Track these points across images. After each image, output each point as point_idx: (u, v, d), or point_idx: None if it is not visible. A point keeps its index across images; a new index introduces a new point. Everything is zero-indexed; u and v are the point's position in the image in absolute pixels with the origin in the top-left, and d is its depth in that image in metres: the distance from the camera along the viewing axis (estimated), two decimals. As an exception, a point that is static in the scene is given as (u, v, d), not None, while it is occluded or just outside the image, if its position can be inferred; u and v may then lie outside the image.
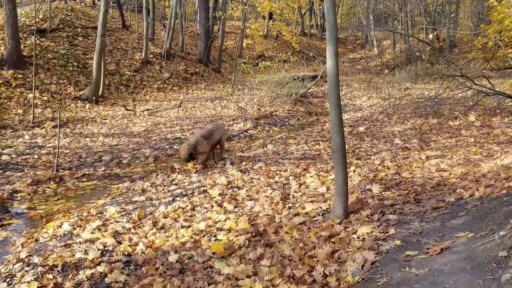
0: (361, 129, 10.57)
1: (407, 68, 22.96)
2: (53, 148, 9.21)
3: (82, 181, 7.13)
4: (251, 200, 5.80)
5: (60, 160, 8.29)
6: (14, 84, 14.28)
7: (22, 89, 14.30)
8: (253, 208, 5.50)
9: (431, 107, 12.01)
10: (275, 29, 27.33)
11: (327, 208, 5.27)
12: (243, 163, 7.64)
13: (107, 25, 22.77)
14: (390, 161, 7.27)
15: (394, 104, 14.80)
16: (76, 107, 14.52)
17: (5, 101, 13.32)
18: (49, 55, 16.96)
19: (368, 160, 7.53)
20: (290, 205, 5.56)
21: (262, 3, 17.39)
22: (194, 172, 7.26)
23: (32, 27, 18.15)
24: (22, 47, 16.60)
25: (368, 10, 32.18)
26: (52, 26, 19.01)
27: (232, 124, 11.85)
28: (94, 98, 15.20)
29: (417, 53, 24.68)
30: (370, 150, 8.45)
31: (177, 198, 5.89)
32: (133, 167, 8.01)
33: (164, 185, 6.59)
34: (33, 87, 11.76)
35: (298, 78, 19.52)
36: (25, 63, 15.71)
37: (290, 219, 5.02)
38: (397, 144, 8.84)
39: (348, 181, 6.16)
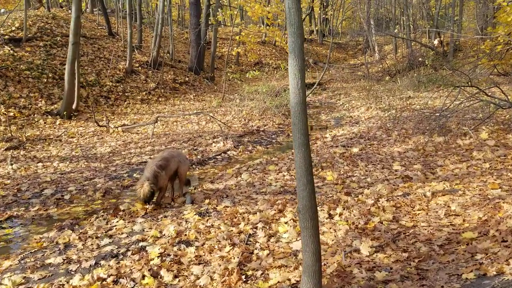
0: (355, 150, 9.12)
1: (409, 75, 21.48)
2: (-8, 178, 7.84)
3: (2, 228, 5.72)
4: (199, 264, 4.37)
5: (-7, 195, 6.91)
6: (-25, 99, 12.95)
7: (-15, 104, 12.96)
8: (199, 279, 4.07)
9: (436, 121, 10.53)
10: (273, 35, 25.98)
11: (297, 282, 3.83)
12: (206, 201, 6.21)
13: (91, 33, 21.58)
14: (387, 200, 5.82)
15: (394, 116, 13.33)
16: (45, 123, 13.18)
17: (-37, 118, 11.99)
18: (22, 66, 15.64)
19: (360, 196, 6.09)
20: (250, 273, 4.12)
21: (252, 7, 16.01)
22: (142, 215, 5.84)
23: (6, 36, 16.92)
24: (-9, 57, 15.32)
25: (369, 14, 30.77)
26: (29, 35, 17.71)
27: (211, 144, 10.44)
28: (65, 112, 13.86)
29: (420, 58, 23.19)
30: (363, 180, 7.00)
31: (102, 262, 4.47)
32: (75, 205, 6.60)
33: (96, 237, 5.17)
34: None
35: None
36: (-7, 76, 14.39)
37: (243, 301, 3.59)
38: (396, 171, 7.39)
39: (332, 230, 4.77)
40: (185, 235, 5.05)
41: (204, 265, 4.34)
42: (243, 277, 4.02)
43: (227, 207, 5.93)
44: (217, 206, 5.99)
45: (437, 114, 10.82)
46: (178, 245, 4.77)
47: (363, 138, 10.58)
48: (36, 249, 4.95)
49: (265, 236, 4.92)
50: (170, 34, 23.56)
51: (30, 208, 6.41)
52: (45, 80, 15.57)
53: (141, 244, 4.84)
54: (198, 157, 9.29)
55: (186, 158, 6.80)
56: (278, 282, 3.90)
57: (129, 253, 4.64)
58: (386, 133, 10.92)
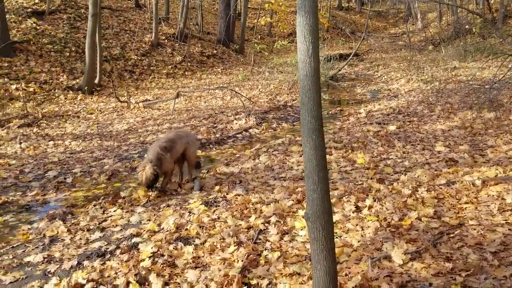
0: (392, 128, 8.12)
1: (455, 43, 19.84)
2: (-2, 158, 7.40)
3: (-6, 215, 5.21)
4: (196, 268, 3.66)
5: (-6, 177, 6.45)
6: (-4, 74, 12.64)
7: (6, 79, 12.65)
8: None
9: (486, 94, 9.31)
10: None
11: (311, 297, 3.07)
12: (217, 187, 5.48)
13: (116, 5, 20.99)
14: (427, 189, 4.90)
15: (438, 89, 12.11)
16: (65, 98, 12.77)
17: (-18, 94, 11.69)
18: (44, 40, 15.28)
19: (394, 184, 5.20)
20: (254, 282, 3.38)
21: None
22: (143, 204, 5.18)
23: (29, 9, 16.56)
24: (15, 31, 15.01)
25: (411, -21, 28.70)
26: (52, 8, 17.30)
27: (233, 121, 9.67)
28: (87, 87, 13.39)
29: (467, 26, 21.37)
30: (400, 163, 6.08)
31: (85, 262, 3.83)
32: (76, 189, 6.04)
33: (87, 229, 4.55)
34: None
35: (330, 58, 17.00)
36: (15, 50, 14.07)
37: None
38: (439, 153, 6.41)
39: (359, 228, 3.97)
40: (186, 229, 4.34)
41: (202, 270, 3.63)
42: (245, 287, 3.29)
43: (239, 195, 5.17)
44: (227, 194, 5.25)
45: (486, 86, 9.60)
46: (175, 242, 4.07)
47: (401, 114, 9.54)
48: (19, 243, 4.38)
49: (277, 233, 4.15)
50: (198, 4, 22.68)
51: (27, 193, 5.88)
52: (68, 54, 15.15)
53: (134, 240, 4.18)
54: (217, 135, 8.55)
55: (196, 138, 6.06)
56: (287, 297, 3.14)
57: (118, 251, 3.98)
58: (428, 108, 9.82)
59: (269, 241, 4.06)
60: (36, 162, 7.21)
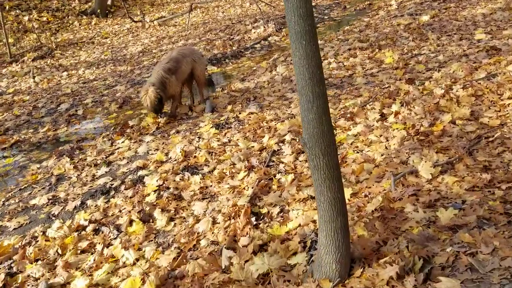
0: (425, 18, 7.22)
1: None
2: (12, 95, 7.24)
3: (4, 157, 5.08)
4: (204, 199, 3.38)
5: (7, 114, 6.32)
6: (7, 7, 12.22)
7: (17, 11, 12.24)
8: (198, 222, 3.10)
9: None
10: None
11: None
12: (229, 107, 5.07)
13: None
14: (463, 86, 4.27)
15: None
16: (80, 24, 12.31)
17: (-4, 29, 11.38)
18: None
19: (426, 83, 4.59)
20: (265, 210, 3.07)
21: None
22: (152, 132, 4.88)
23: None
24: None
25: None
26: None
27: (251, 30, 8.97)
28: (100, 10, 12.80)
29: None
30: (433, 58, 5.38)
31: (89, 202, 3.63)
32: (87, 120, 5.81)
33: (95, 164, 4.34)
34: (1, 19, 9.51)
35: None
36: (22, -22, 13.44)
37: (247, 261, 2.58)
38: (479, 41, 5.63)
39: (383, 139, 3.57)
40: (195, 157, 4.03)
41: (209, 201, 3.34)
42: (254, 219, 2.98)
43: (252, 113, 4.75)
44: (240, 113, 4.83)
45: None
46: (182, 172, 3.78)
47: (437, 1, 8.49)
48: (27, 185, 4.23)
49: (292, 153, 3.76)
50: None
51: (39, 129, 5.71)
52: (77, -24, 14.37)
53: (140, 173, 3.92)
54: (233, 48, 7.95)
55: (202, 55, 5.53)
56: (299, 225, 2.81)
57: (123, 187, 3.75)
58: (468, -10, 8.68)
59: (282, 162, 3.69)
60: (50, 96, 7.00)
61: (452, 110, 3.87)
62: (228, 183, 3.50)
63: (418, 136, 3.58)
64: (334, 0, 11.22)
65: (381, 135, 3.76)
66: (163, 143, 4.49)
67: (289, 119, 4.38)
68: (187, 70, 5.14)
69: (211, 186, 3.54)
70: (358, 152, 3.59)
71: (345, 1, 11.11)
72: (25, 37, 11.13)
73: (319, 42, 7.09)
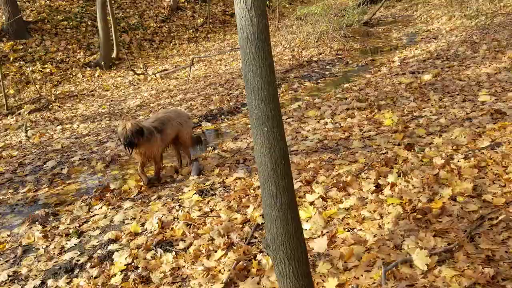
0: (427, 77, 7.02)
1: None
2: (1, 150, 7.04)
3: (-23, 221, 4.79)
4: (173, 284, 3.02)
5: (-8, 172, 6.09)
6: (12, 58, 12.35)
7: (21, 62, 12.35)
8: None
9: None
10: None
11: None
12: (216, 170, 4.77)
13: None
14: (465, 156, 3.96)
15: (483, 25, 10.65)
16: (83, 76, 12.36)
17: (-1, 80, 11.41)
18: (59, 16, 14.80)
19: (426, 150, 4.28)
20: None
21: None
22: (133, 196, 4.58)
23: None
24: (28, 11, 14.62)
25: None
26: (66, -18, 16.69)
27: (250, 85, 8.82)
28: (104, 62, 12.90)
29: None
30: (435, 121, 5.11)
31: (49, 281, 3.28)
32: (71, 181, 5.54)
33: (66, 234, 4.01)
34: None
35: (360, 2, 15.59)
36: (29, 31, 13.70)
37: None
38: (483, 104, 5.37)
39: (377, 215, 3.24)
40: (172, 229, 3.70)
41: (180, 286, 2.98)
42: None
43: (240, 178, 4.45)
44: (227, 178, 4.54)
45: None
46: (155, 249, 3.44)
47: (440, 59, 8.34)
48: (-11, 256, 3.91)
49: (276, 229, 3.41)
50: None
51: (20, 190, 5.44)
52: (84, 29, 14.64)
53: (110, 247, 3.59)
54: (230, 104, 7.78)
55: (188, 117, 5.27)
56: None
57: (89, 264, 3.41)
58: (471, 48, 8.56)
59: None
60: (39, 152, 6.79)
61: (453, 184, 3.53)
62: (203, 264, 3.15)
63: (414, 214, 3.23)
64: (337, 55, 11.16)
65: (375, 211, 3.42)
66: (141, 210, 4.18)
67: (278, 187, 4.05)
68: (173, 134, 4.90)
69: (183, 267, 3.18)
70: (349, 231, 3.24)
71: (348, 56, 11.05)
72: (26, 88, 11.14)
73: (317, 100, 6.88)
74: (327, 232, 3.27)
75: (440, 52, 8.97)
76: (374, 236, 3.07)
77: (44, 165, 6.15)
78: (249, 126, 6.49)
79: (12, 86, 11.00)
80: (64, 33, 14.12)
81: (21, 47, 12.91)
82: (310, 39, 13.06)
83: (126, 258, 3.36)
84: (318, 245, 3.13)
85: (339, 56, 11.05)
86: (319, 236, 3.25)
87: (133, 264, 3.29)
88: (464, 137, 4.47)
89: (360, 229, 3.23)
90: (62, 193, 5.20)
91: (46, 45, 13.29)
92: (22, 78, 11.60)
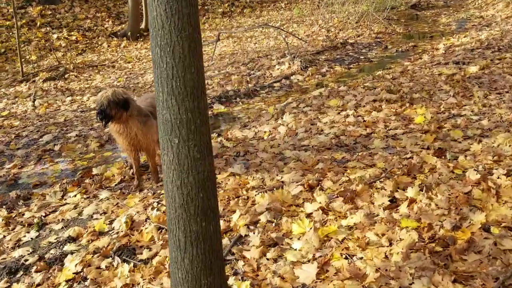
0: (473, 69, 6.10)
1: None
2: (4, 119, 6.71)
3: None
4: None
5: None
6: (39, 23, 12.08)
7: (48, 28, 12.07)
8: None
9: None
10: None
11: None
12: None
13: None
14: (507, 173, 3.16)
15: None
16: (108, 46, 11.96)
17: (23, 45, 11.16)
18: (92, -18, 14.40)
19: (460, 158, 3.52)
20: None
21: None
22: (114, 185, 4.05)
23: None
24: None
25: None
26: None
27: (274, 65, 8.13)
28: (130, 33, 12.43)
29: None
30: (476, 123, 4.29)
31: (-13, 284, 2.81)
32: (61, 158, 5.08)
33: (28, 224, 3.53)
34: (17, 38, 9.17)
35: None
36: (60, -4, 13.40)
37: None
38: (537, 106, 4.48)
39: (385, 241, 2.59)
40: (140, 231, 3.14)
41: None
42: None
43: (234, 175, 3.83)
44: (219, 173, 3.92)
45: None
46: (113, 255, 2.89)
47: (490, 49, 7.34)
48: None
49: (259, 246, 2.78)
50: None
51: (5, 165, 5.03)
52: (116, -3, 14.22)
53: (66, 248, 3.06)
54: (249, 85, 7.11)
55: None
56: None
57: (35, 267, 2.90)
58: (528, 38, 7.50)
59: (244, 258, 2.72)
60: (40, 123, 6.40)
61: (488, 208, 2.78)
62: (162, 284, 2.57)
63: (433, 245, 2.52)
64: (376, 38, 10.22)
65: (384, 234, 2.72)
66: (116, 204, 3.64)
67: (274, 190, 3.40)
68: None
69: (138, 284, 2.61)
70: (346, 258, 2.57)
71: (388, 40, 10.11)
72: (49, 55, 10.83)
73: (342, 88, 6.10)
74: (320, 256, 2.62)
75: (492, 41, 7.94)
76: (376, 271, 2.39)
77: (40, 139, 5.74)
78: (263, 111, 5.84)
79: (35, 53, 10.72)
80: (95, 0, 13.74)
81: (49, 12, 12.62)
82: (350, 19, 12.11)
83: (77, 264, 2.82)
84: (305, 274, 2.49)
85: (378, 40, 10.11)
86: (309, 261, 2.61)
87: (82, 273, 2.75)
88: (510, 146, 3.65)
89: (361, 258, 2.55)
90: (46, 173, 4.74)
91: (75, 12, 12.95)
92: (47, 45, 11.30)
